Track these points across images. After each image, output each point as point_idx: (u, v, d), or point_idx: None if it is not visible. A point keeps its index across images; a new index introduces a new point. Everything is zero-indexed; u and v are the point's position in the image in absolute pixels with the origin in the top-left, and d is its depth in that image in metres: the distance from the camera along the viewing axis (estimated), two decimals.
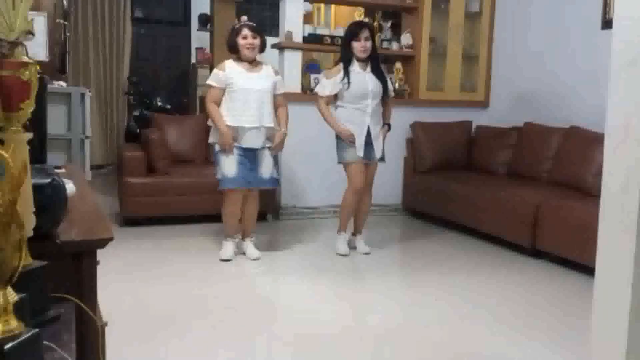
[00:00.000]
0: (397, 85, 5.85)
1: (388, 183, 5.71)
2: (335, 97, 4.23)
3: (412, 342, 2.91)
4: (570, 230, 3.99)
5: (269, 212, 5.41)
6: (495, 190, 4.77)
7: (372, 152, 4.23)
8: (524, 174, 5.07)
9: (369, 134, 4.19)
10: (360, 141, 4.17)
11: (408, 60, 5.90)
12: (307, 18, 7.00)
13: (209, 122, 4.08)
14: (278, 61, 5.67)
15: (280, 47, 5.51)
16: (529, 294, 3.65)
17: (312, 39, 5.64)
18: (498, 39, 5.99)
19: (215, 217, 4.59)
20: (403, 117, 5.71)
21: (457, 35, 5.95)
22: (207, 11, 8.53)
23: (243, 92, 3.96)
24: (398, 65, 5.88)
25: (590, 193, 4.11)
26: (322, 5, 7.36)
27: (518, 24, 5.72)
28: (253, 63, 4.07)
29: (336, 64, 4.36)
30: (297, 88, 5.42)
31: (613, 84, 1.81)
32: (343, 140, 4.19)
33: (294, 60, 5.48)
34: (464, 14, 5.95)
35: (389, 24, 6.00)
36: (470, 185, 5.06)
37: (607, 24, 4.61)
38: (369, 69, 4.21)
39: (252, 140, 3.98)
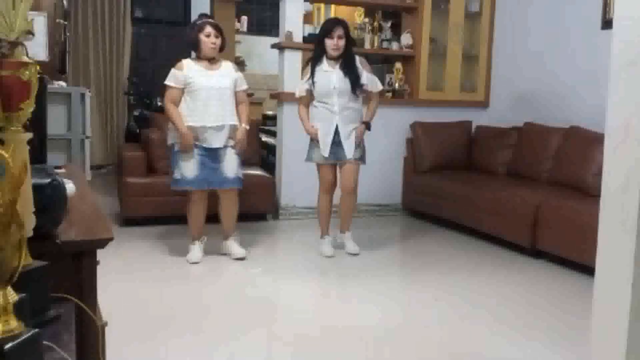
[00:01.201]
0: (397, 85, 5.85)
1: (388, 183, 5.72)
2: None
3: (412, 342, 2.91)
4: (570, 230, 3.99)
5: (269, 212, 5.41)
6: (495, 190, 4.77)
7: (341, 153, 4.15)
8: (524, 174, 5.07)
9: (337, 133, 4.13)
10: (326, 141, 4.12)
11: (408, 60, 5.90)
12: (307, 18, 7.01)
13: (169, 124, 4.01)
14: (278, 61, 5.68)
15: (280, 47, 5.51)
16: (529, 294, 3.65)
17: (312, 39, 5.63)
18: (498, 39, 5.99)
19: (215, 217, 4.59)
20: (403, 117, 5.72)
21: (457, 35, 5.95)
22: (207, 11, 8.52)
23: (203, 91, 3.91)
24: (398, 65, 5.88)
25: (590, 193, 4.10)
26: (322, 5, 7.37)
27: (518, 24, 5.72)
28: (212, 61, 4.02)
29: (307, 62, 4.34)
30: (296, 88, 5.40)
31: (613, 84, 1.81)
32: (313, 140, 4.19)
33: (294, 60, 5.48)
34: (464, 14, 5.95)
35: (389, 24, 6.00)
36: (470, 185, 5.06)
37: (607, 24, 4.61)
38: (338, 66, 4.15)
39: (214, 140, 3.92)
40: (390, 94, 5.81)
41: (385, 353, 2.81)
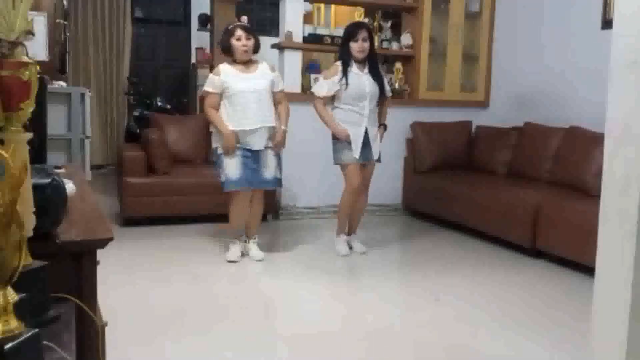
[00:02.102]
0: (397, 85, 5.85)
1: (388, 183, 5.71)
2: (332, 97, 4.22)
3: (411, 341, 2.91)
4: (570, 230, 3.99)
5: (269, 212, 5.41)
6: (495, 190, 4.77)
7: (369, 153, 4.23)
8: (524, 174, 5.06)
9: (366, 135, 4.18)
10: (358, 143, 4.16)
11: (408, 60, 5.90)
12: (307, 18, 6.99)
13: (212, 128, 4.06)
14: (278, 61, 5.67)
15: (280, 47, 5.51)
16: (529, 294, 3.65)
17: (312, 39, 5.64)
18: (498, 39, 5.99)
19: (216, 217, 4.59)
20: (403, 117, 5.72)
21: (457, 35, 5.95)
22: (207, 11, 8.52)
23: (241, 95, 3.94)
24: (398, 65, 5.88)
25: (590, 193, 4.10)
26: (322, 5, 7.36)
27: (518, 24, 5.72)
28: (248, 63, 4.04)
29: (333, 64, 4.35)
30: (297, 88, 5.41)
31: (613, 83, 1.81)
32: (340, 142, 4.18)
33: (294, 61, 5.48)
34: (464, 14, 5.95)
35: (389, 24, 6.00)
36: (470, 185, 5.06)
37: (607, 24, 4.61)
38: (366, 70, 4.20)
39: (254, 142, 3.96)
40: (390, 94, 5.81)
41: (384, 353, 2.81)
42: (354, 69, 4.17)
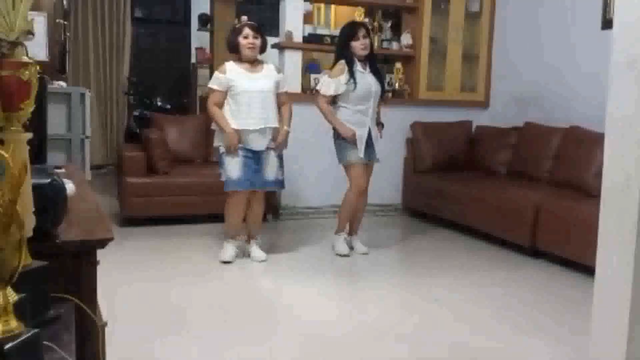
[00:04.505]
0: (397, 85, 5.85)
1: (388, 183, 5.71)
2: (335, 97, 4.22)
3: (411, 341, 2.91)
4: (570, 230, 3.99)
5: (269, 212, 5.41)
6: (495, 190, 4.77)
7: (372, 153, 4.24)
8: (524, 174, 5.06)
9: (369, 134, 4.19)
10: (363, 143, 4.16)
11: (408, 60, 5.90)
12: (307, 18, 6.98)
13: (213, 126, 4.04)
14: (278, 61, 5.67)
15: (280, 47, 5.51)
16: (529, 294, 3.65)
17: (312, 39, 5.64)
18: (498, 39, 5.99)
19: (216, 217, 4.59)
20: (403, 117, 5.72)
21: (457, 35, 5.95)
22: (207, 11, 8.53)
23: (246, 94, 3.92)
24: (398, 65, 5.88)
25: (590, 193, 4.10)
26: (322, 5, 7.35)
27: (518, 24, 5.72)
28: (254, 63, 4.03)
29: (334, 64, 4.31)
30: (297, 88, 5.41)
31: (613, 84, 1.81)
32: (345, 141, 4.17)
33: (294, 60, 5.48)
34: (464, 14, 5.95)
35: (389, 24, 6.00)
36: (470, 185, 5.06)
37: (607, 24, 4.60)
38: (368, 69, 4.21)
39: (257, 142, 3.94)
40: (390, 94, 5.81)
41: (384, 352, 2.81)
42: (359, 68, 4.17)
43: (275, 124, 4.00)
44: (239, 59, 4.03)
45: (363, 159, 4.18)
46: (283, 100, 4.10)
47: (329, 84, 4.17)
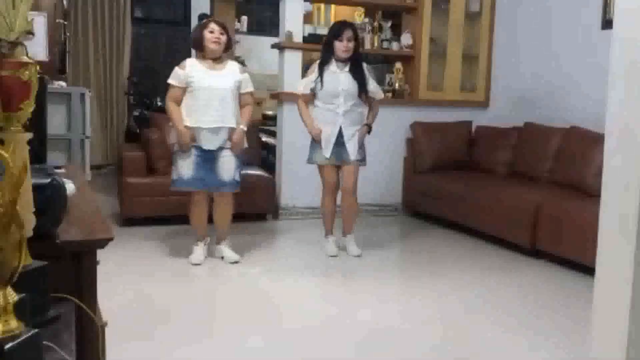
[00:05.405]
0: (397, 85, 5.85)
1: (388, 183, 5.72)
2: (313, 96, 4.21)
3: (411, 341, 2.91)
4: (570, 230, 3.99)
5: (269, 212, 5.41)
6: (495, 190, 4.77)
7: (344, 154, 4.17)
8: (524, 174, 5.06)
9: (340, 134, 4.14)
10: (329, 142, 4.13)
11: (408, 60, 5.90)
12: (307, 18, 7.00)
13: (170, 123, 3.97)
14: (278, 61, 5.67)
15: (280, 47, 5.51)
16: (529, 294, 3.65)
17: (312, 39, 5.64)
18: (498, 39, 5.99)
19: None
20: (403, 117, 5.72)
21: (457, 35, 5.94)
22: (207, 11, 8.53)
23: (204, 91, 3.84)
24: (398, 65, 5.87)
25: (590, 193, 4.10)
26: (322, 5, 7.37)
27: (518, 24, 5.72)
28: (217, 61, 3.95)
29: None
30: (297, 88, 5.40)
31: (613, 84, 1.81)
32: (314, 141, 4.19)
33: (294, 60, 5.48)
34: (464, 14, 5.95)
35: (389, 24, 6.00)
36: (470, 185, 5.06)
37: (607, 24, 4.60)
38: (347, 68, 4.15)
39: (209, 141, 3.85)
40: (390, 94, 5.81)
41: (384, 352, 2.81)
42: (331, 67, 4.15)
43: (232, 124, 3.89)
44: (203, 56, 3.97)
45: (329, 159, 4.16)
46: (246, 101, 4.03)
47: (302, 82, 4.28)
